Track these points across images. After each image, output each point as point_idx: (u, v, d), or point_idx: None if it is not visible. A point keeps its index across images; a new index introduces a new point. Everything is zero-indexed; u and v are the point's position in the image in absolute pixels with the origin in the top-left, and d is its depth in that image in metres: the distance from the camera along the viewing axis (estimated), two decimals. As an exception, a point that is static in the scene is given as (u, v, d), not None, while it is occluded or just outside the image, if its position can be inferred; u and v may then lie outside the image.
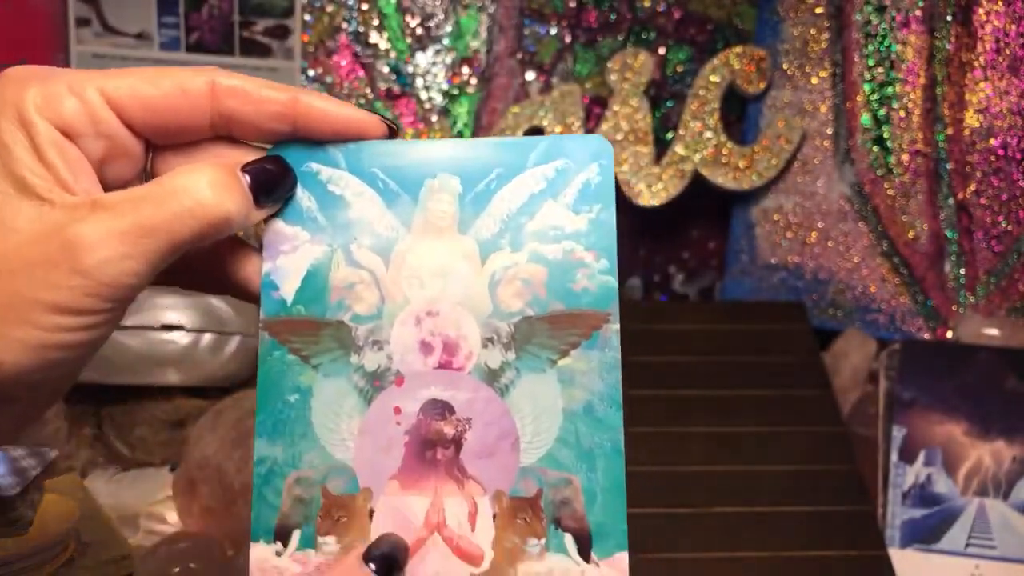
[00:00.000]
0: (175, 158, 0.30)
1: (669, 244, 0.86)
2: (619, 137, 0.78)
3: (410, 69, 0.83)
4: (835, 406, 0.67)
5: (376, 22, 0.83)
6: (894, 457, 0.65)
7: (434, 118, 0.84)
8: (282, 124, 0.30)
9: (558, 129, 0.78)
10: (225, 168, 0.28)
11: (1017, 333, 0.72)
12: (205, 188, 0.27)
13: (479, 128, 0.84)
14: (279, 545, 0.29)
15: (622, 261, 0.87)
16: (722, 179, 0.77)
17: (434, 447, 0.30)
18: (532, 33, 0.83)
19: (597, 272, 0.30)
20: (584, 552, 0.29)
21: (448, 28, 0.83)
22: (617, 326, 0.30)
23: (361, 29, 0.83)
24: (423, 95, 0.84)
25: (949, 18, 0.76)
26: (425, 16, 0.83)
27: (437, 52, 0.83)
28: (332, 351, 0.30)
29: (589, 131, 0.79)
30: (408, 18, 0.83)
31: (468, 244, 0.31)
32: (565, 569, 0.29)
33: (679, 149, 0.77)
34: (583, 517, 0.29)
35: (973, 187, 0.76)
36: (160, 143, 0.30)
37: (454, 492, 0.29)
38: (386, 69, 0.83)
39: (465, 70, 0.84)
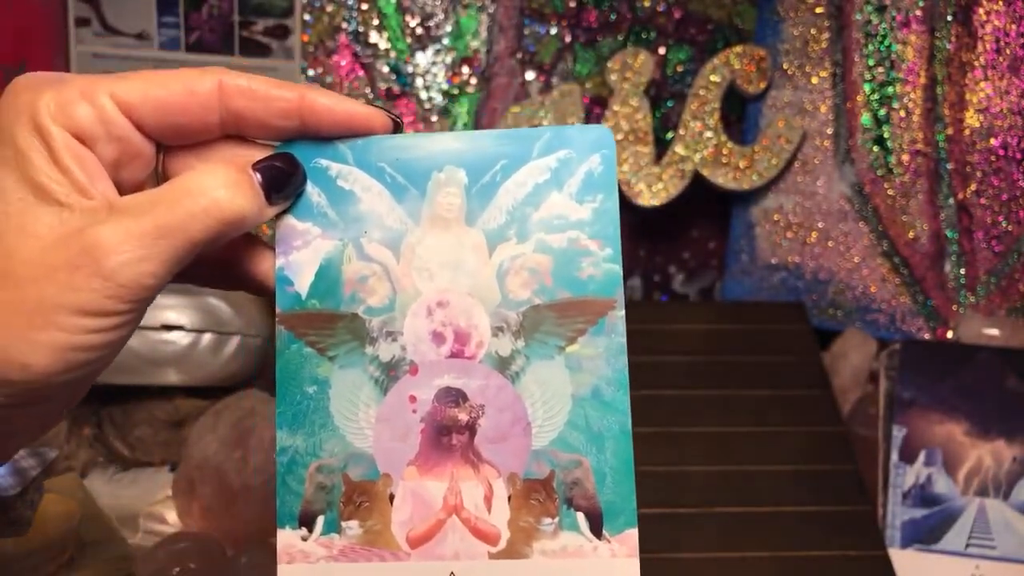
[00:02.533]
0: (186, 158, 0.31)
1: (669, 244, 0.86)
2: (619, 137, 0.78)
3: (410, 69, 0.83)
4: (835, 406, 0.67)
5: (376, 22, 0.83)
6: (894, 457, 0.65)
7: (434, 118, 0.84)
8: (289, 121, 0.31)
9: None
10: (237, 167, 0.29)
11: (1017, 333, 0.72)
12: (219, 188, 0.28)
13: (479, 128, 0.84)
14: (304, 531, 0.30)
15: (623, 261, 0.87)
16: (722, 179, 0.77)
17: (449, 433, 0.31)
18: (532, 33, 0.83)
19: (602, 260, 0.31)
20: (596, 529, 0.30)
21: (448, 28, 0.83)
22: (622, 312, 0.31)
23: (361, 29, 0.83)
24: (423, 95, 0.84)
25: (949, 18, 0.76)
26: (425, 16, 0.83)
27: (437, 52, 0.83)
28: (347, 343, 0.31)
29: (589, 131, 0.79)
30: (408, 18, 0.83)
31: (475, 235, 0.31)
32: (578, 546, 0.30)
33: (679, 149, 0.77)
34: (594, 496, 0.30)
35: (973, 187, 0.76)
36: (171, 144, 0.31)
37: (470, 476, 0.30)
38: (386, 69, 0.83)
39: (465, 70, 0.84)
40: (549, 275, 0.31)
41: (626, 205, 0.79)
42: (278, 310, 0.31)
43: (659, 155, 0.78)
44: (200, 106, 0.30)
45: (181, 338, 0.73)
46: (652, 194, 0.77)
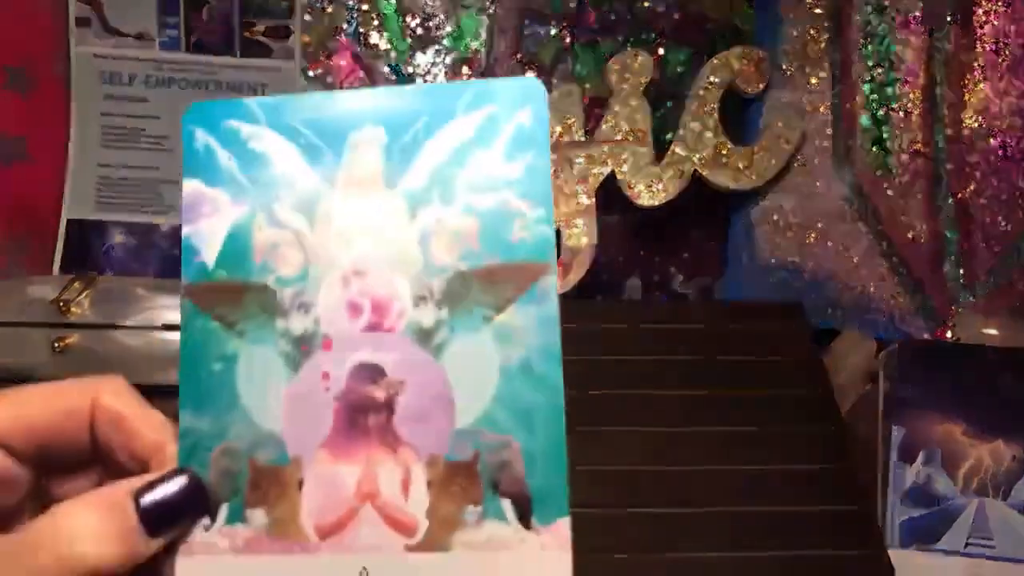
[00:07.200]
0: (67, 479, 0.29)
1: (669, 244, 0.86)
2: (619, 137, 0.78)
3: (410, 69, 0.84)
4: (834, 406, 0.67)
5: (376, 22, 0.83)
6: (893, 457, 0.65)
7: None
8: (137, 464, 0.28)
9: (558, 130, 0.78)
10: (111, 501, 0.25)
11: (1017, 333, 0.72)
12: (84, 536, 0.24)
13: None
14: (207, 520, 0.28)
15: (622, 261, 0.87)
16: (722, 179, 0.78)
17: (365, 412, 0.28)
18: (532, 34, 0.83)
19: (533, 222, 0.29)
20: (524, 518, 0.27)
21: (448, 29, 0.83)
22: (555, 278, 0.29)
23: (361, 29, 0.83)
24: (423, 95, 0.84)
25: (948, 19, 0.76)
26: (425, 17, 0.83)
27: (437, 52, 0.84)
28: (257, 316, 0.29)
29: (589, 132, 0.79)
30: (408, 19, 0.83)
31: (396, 198, 0.29)
32: (504, 537, 0.27)
33: (679, 150, 0.78)
34: (522, 481, 0.28)
35: (973, 187, 0.76)
36: (47, 468, 0.28)
37: (386, 459, 0.28)
38: (386, 69, 0.84)
39: (465, 70, 0.84)
40: (476, 239, 0.29)
41: (625, 205, 0.79)
42: (183, 282, 0.29)
43: (659, 156, 0.78)
44: (76, 428, 0.27)
45: (182, 338, 0.73)
46: (651, 194, 0.77)
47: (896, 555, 0.61)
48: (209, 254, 0.29)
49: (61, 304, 0.73)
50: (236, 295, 0.29)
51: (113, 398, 0.28)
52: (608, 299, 0.86)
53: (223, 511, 0.28)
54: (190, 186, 0.30)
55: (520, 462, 0.28)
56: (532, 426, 0.28)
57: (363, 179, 0.29)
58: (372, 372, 0.28)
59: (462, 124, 0.29)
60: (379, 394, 0.28)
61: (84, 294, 0.73)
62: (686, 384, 0.68)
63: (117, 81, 0.83)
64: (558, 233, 0.78)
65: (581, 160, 0.78)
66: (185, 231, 0.29)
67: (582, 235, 0.78)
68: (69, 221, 0.83)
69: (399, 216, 0.29)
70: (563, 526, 0.27)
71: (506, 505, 0.28)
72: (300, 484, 0.28)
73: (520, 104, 0.29)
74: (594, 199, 0.78)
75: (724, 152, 0.78)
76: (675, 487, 0.61)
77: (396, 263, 0.29)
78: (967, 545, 0.62)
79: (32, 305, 0.74)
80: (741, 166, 0.78)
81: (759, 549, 0.58)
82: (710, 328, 0.73)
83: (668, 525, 0.59)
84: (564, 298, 0.79)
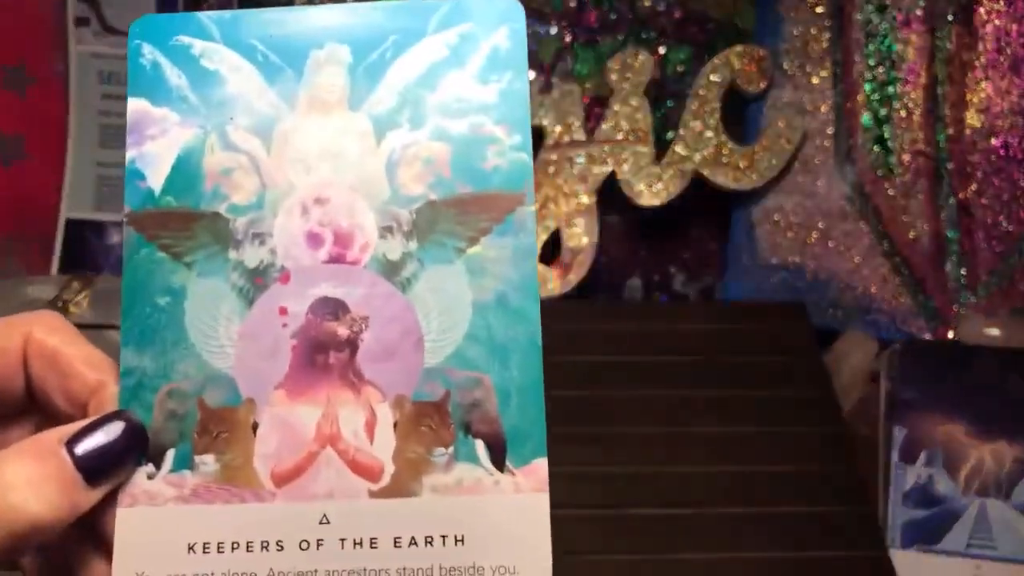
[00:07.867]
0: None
1: (669, 244, 0.86)
2: (619, 137, 0.78)
3: (410, 69, 0.83)
4: (835, 406, 0.67)
5: (376, 22, 0.83)
6: (895, 458, 0.65)
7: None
8: (76, 409, 0.26)
9: (558, 129, 0.78)
10: (40, 449, 0.23)
11: (1019, 333, 0.72)
12: (9, 488, 0.22)
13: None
14: (151, 467, 0.26)
15: (622, 261, 0.87)
16: (723, 179, 0.77)
17: (326, 350, 0.27)
18: (532, 33, 0.83)
19: (509, 148, 0.27)
20: (498, 460, 0.26)
21: (448, 28, 0.83)
22: (532, 208, 0.27)
23: (361, 29, 0.83)
24: (423, 95, 0.84)
25: (950, 18, 0.76)
26: (425, 16, 0.83)
27: (437, 52, 0.83)
28: (207, 246, 0.27)
29: (590, 131, 0.79)
30: (408, 18, 0.83)
31: (361, 121, 0.27)
32: (476, 479, 0.26)
33: (679, 149, 0.77)
34: (496, 420, 0.26)
35: (974, 187, 0.76)
36: None
37: (349, 400, 0.26)
38: (386, 69, 0.83)
39: (465, 70, 0.83)
40: (448, 166, 0.27)
41: (625, 205, 0.79)
42: (127, 209, 0.27)
43: (659, 155, 0.78)
44: (7, 368, 0.25)
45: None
46: (652, 194, 0.77)
47: (897, 556, 0.60)
48: (155, 179, 0.27)
49: (60, 304, 0.72)
50: (185, 223, 0.27)
51: (48, 333, 0.26)
52: (608, 299, 0.86)
53: (169, 457, 0.26)
54: (135, 105, 0.28)
55: (493, 401, 0.26)
56: (507, 362, 0.26)
57: (325, 100, 0.27)
58: (334, 307, 0.27)
59: (434, 43, 0.28)
60: (341, 331, 0.27)
61: (83, 294, 0.73)
62: (686, 384, 0.68)
63: (116, 80, 0.83)
64: (558, 233, 0.78)
65: (581, 160, 0.78)
66: (129, 154, 0.28)
67: (582, 235, 0.77)
68: (68, 221, 0.83)
69: (364, 140, 0.27)
70: (540, 467, 0.26)
71: (479, 446, 0.26)
72: (254, 427, 0.26)
73: (496, 23, 0.27)
74: (594, 199, 0.78)
75: (725, 152, 0.77)
76: (675, 487, 0.61)
77: (361, 191, 0.27)
78: (968, 546, 0.62)
79: (31, 305, 0.73)
80: (742, 166, 0.77)
81: (760, 550, 0.58)
82: (710, 328, 0.72)
83: (668, 526, 0.59)
84: (564, 298, 0.79)
